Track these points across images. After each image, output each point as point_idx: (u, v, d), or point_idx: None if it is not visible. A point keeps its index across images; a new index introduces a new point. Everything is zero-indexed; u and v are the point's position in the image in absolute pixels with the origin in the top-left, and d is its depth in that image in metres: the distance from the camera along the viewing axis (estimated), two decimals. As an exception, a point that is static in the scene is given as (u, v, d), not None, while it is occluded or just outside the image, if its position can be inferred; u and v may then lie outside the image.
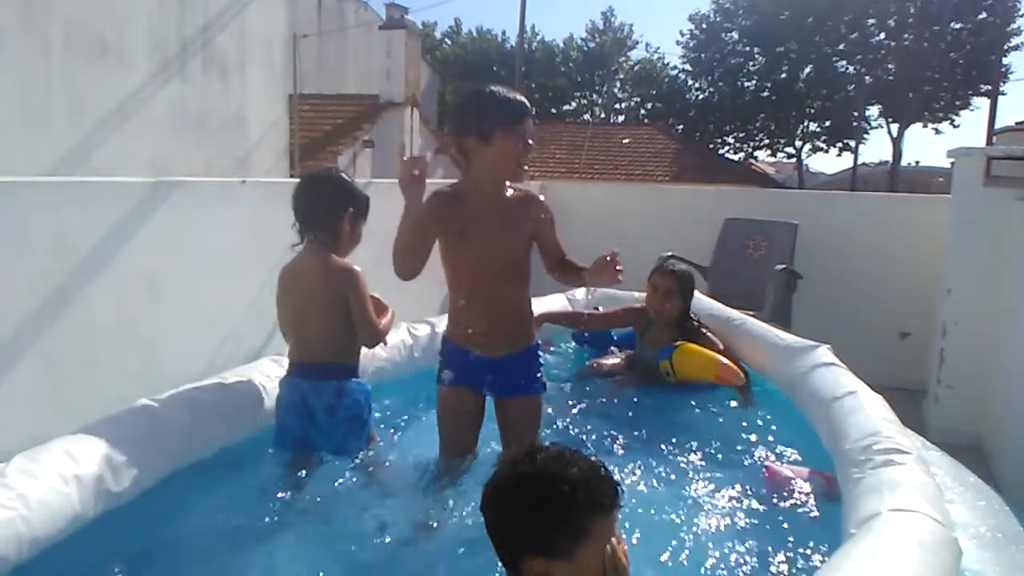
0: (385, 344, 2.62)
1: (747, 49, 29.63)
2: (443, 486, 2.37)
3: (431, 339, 3.23)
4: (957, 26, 25.52)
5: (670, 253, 5.31)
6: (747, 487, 2.44)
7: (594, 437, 2.83)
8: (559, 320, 3.87)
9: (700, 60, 30.71)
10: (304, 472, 2.40)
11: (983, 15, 24.86)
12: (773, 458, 2.69)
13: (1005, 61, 24.16)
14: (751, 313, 4.03)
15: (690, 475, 2.55)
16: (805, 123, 30.19)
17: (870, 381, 2.72)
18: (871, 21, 26.40)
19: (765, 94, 29.66)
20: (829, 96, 28.22)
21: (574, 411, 3.14)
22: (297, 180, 2.68)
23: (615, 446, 2.77)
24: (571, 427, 2.96)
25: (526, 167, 2.43)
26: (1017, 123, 21.18)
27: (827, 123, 29.43)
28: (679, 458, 2.67)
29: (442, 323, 2.64)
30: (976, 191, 4.29)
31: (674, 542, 2.08)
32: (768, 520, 2.24)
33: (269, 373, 2.68)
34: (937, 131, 28.14)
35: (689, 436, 2.86)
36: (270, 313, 2.65)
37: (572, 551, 1.34)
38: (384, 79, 14.77)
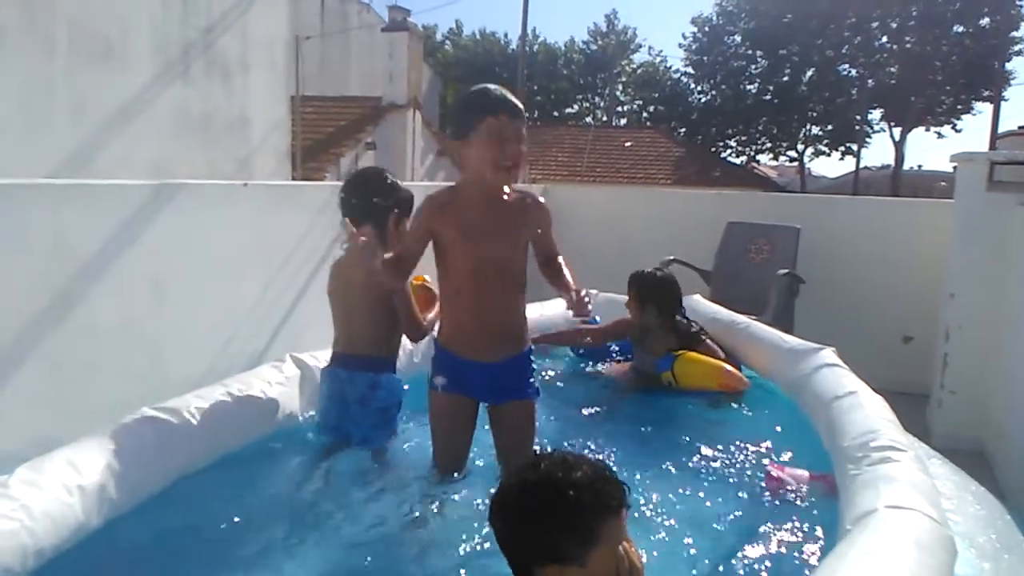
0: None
1: (749, 52, 29.61)
2: (435, 490, 2.35)
3: (429, 344, 3.22)
4: (960, 30, 25.50)
5: (672, 257, 5.32)
6: (749, 490, 2.44)
7: (595, 443, 2.81)
8: (562, 341, 3.80)
9: (702, 63, 30.69)
10: (309, 474, 2.41)
11: (985, 20, 24.83)
12: (776, 462, 2.68)
13: (1008, 67, 24.18)
14: (754, 318, 4.03)
15: (691, 478, 2.54)
16: (807, 126, 30.15)
17: (873, 385, 2.72)
18: (874, 24, 26.40)
19: (767, 97, 29.62)
20: (831, 99, 28.20)
21: (573, 416, 3.13)
22: (345, 179, 2.77)
23: (615, 450, 2.75)
24: (571, 432, 2.94)
25: (512, 168, 2.28)
26: (1020, 127, 21.11)
27: (829, 127, 29.40)
28: (680, 461, 2.66)
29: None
30: (979, 196, 4.29)
31: (676, 544, 2.08)
32: (770, 522, 2.23)
33: (271, 379, 2.68)
34: (939, 135, 28.16)
35: (690, 439, 2.86)
36: (273, 315, 2.66)
37: (584, 555, 1.34)
38: (386, 81, 14.75)
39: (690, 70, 31.79)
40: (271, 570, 1.99)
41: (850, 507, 1.85)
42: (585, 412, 3.20)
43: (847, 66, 28.22)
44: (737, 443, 2.84)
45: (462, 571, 1.94)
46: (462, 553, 2.01)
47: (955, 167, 4.53)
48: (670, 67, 33.72)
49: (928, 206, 5.96)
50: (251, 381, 2.63)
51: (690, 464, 2.66)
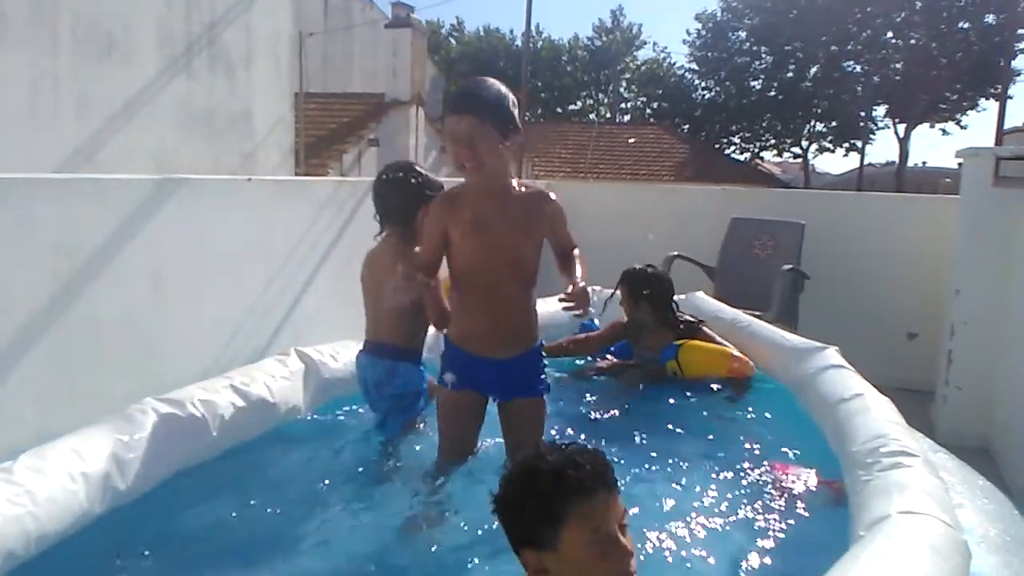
0: None
1: (754, 48, 29.51)
2: (441, 486, 2.34)
3: (436, 339, 3.22)
4: (965, 26, 25.40)
5: (676, 253, 5.31)
6: (752, 488, 2.43)
7: (595, 438, 2.80)
8: (570, 352, 3.73)
9: (707, 59, 30.58)
10: (311, 467, 2.42)
11: (991, 17, 24.74)
12: (779, 461, 2.67)
13: (1014, 64, 24.08)
14: (757, 313, 4.02)
15: (694, 475, 2.53)
16: (812, 123, 30.04)
17: (877, 382, 2.71)
18: (879, 21, 26.30)
19: (772, 94, 29.53)
20: (836, 96, 28.07)
21: (575, 411, 3.13)
22: (378, 174, 2.83)
23: (616, 446, 2.74)
24: (576, 429, 2.93)
25: (466, 169, 2.24)
26: (1025, 124, 21.07)
27: (834, 123, 29.29)
28: (682, 459, 2.65)
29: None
30: (985, 192, 4.27)
31: (677, 542, 2.07)
32: (774, 521, 2.23)
33: (274, 372, 2.69)
34: (944, 132, 28.04)
35: (692, 435, 2.86)
36: (276, 310, 2.67)
37: (554, 540, 1.38)
38: (390, 77, 14.75)
39: (694, 66, 31.70)
40: (270, 560, 1.99)
41: (862, 513, 1.84)
42: (591, 408, 3.19)
43: (852, 62, 28.11)
44: (740, 439, 2.84)
45: (467, 565, 1.94)
46: (465, 549, 2.01)
47: (961, 163, 4.52)
48: (674, 64, 33.67)
49: (933, 202, 5.94)
50: (255, 374, 2.64)
51: (695, 462, 2.64)
